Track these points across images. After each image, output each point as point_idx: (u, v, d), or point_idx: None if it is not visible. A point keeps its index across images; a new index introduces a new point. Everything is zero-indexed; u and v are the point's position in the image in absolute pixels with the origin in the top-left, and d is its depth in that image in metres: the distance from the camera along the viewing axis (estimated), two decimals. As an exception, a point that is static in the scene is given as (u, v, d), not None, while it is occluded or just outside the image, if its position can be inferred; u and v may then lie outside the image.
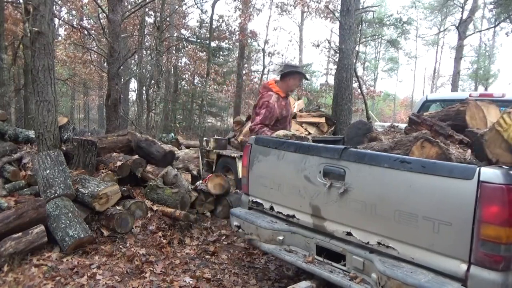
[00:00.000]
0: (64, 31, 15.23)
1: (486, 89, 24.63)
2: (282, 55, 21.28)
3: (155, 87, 14.12)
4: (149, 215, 4.13)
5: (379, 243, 2.24)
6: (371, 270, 2.23)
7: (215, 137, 7.82)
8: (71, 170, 4.30)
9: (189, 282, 3.09)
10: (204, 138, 7.25)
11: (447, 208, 1.94)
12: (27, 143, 5.33)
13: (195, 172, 5.74)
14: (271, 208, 2.96)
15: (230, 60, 22.34)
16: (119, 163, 4.50)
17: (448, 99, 5.13)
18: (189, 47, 18.36)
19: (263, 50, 18.99)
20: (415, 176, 2.07)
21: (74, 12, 16.23)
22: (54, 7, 6.53)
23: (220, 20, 16.93)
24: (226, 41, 19.40)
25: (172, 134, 9.58)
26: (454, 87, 15.43)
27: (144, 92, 15.88)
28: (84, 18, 16.13)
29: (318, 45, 17.81)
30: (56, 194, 3.72)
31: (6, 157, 4.66)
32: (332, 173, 2.46)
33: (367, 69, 30.72)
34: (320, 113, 7.98)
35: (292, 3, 17.33)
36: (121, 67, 7.69)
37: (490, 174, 1.82)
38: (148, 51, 16.31)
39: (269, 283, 3.23)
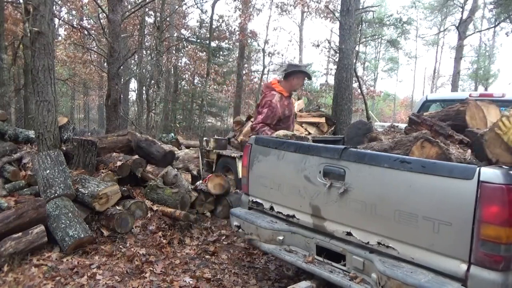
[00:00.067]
0: (64, 31, 15.24)
1: (486, 89, 24.63)
2: (282, 55, 21.27)
3: (155, 87, 14.12)
4: (149, 215, 4.13)
5: (379, 243, 2.24)
6: (371, 270, 2.24)
7: (215, 137, 7.83)
8: (71, 170, 4.30)
9: (189, 282, 3.09)
10: (204, 138, 7.25)
11: (447, 208, 1.94)
12: (27, 143, 5.33)
13: (195, 172, 5.74)
14: (271, 208, 2.96)
15: (230, 60, 22.34)
16: (119, 163, 4.50)
17: (448, 99, 5.13)
18: (189, 47, 18.36)
19: (263, 50, 18.98)
20: (415, 176, 2.07)
21: (74, 12, 16.23)
22: (54, 7, 6.53)
23: (220, 20, 16.94)
24: (226, 41, 19.40)
25: (172, 134, 9.58)
26: (454, 87, 15.43)
27: (144, 92, 15.88)
28: (84, 18, 16.14)
29: (318, 45, 17.83)
30: (56, 194, 3.72)
31: (6, 157, 4.66)
32: (332, 173, 2.46)
33: (367, 69, 30.72)
34: (320, 113, 7.98)
35: (292, 3, 17.34)
36: (121, 67, 7.69)
37: (490, 174, 1.82)
38: (148, 51, 16.31)
39: (269, 283, 3.23)
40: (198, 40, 18.29)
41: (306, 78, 4.08)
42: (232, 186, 5.22)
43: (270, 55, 19.54)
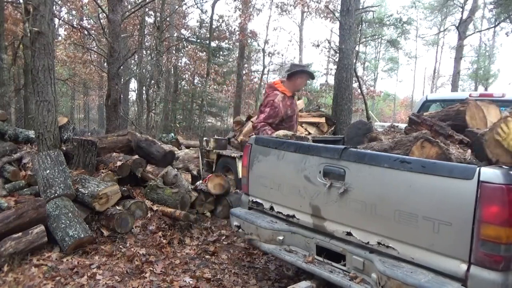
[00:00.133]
0: (64, 31, 15.23)
1: (486, 89, 24.63)
2: (282, 55, 21.32)
3: (155, 87, 14.13)
4: (149, 215, 4.13)
5: (379, 243, 2.24)
6: (371, 270, 2.24)
7: (215, 137, 7.82)
8: (71, 170, 4.30)
9: (189, 282, 3.09)
10: (204, 138, 7.25)
11: (447, 208, 1.94)
12: (27, 143, 5.33)
13: (195, 172, 5.74)
14: (271, 208, 2.96)
15: (230, 60, 22.34)
16: (119, 163, 4.50)
17: (448, 99, 5.13)
18: (189, 47, 18.36)
19: (263, 50, 18.99)
20: (415, 176, 2.07)
21: (74, 12, 16.23)
22: (54, 7, 6.53)
23: (220, 20, 16.94)
24: (226, 41, 19.41)
25: (172, 134, 9.58)
26: (454, 87, 15.44)
27: (144, 92, 15.88)
28: (84, 18, 16.14)
29: (318, 45, 17.84)
30: (56, 194, 3.72)
31: (6, 157, 4.66)
32: (332, 173, 2.46)
33: (367, 69, 30.72)
34: (320, 113, 7.98)
35: (292, 3, 17.34)
36: (121, 67, 7.70)
37: (490, 174, 1.82)
38: (148, 51, 16.31)
39: (269, 283, 3.23)
40: (198, 40, 18.29)
41: (309, 78, 4.09)
42: (232, 186, 5.21)
43: (270, 55, 19.57)
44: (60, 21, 14.15)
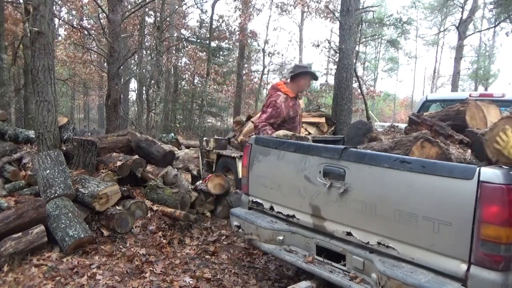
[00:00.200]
0: (64, 31, 15.24)
1: (486, 89, 24.63)
2: (282, 55, 21.31)
3: (155, 87, 14.13)
4: (149, 215, 4.13)
5: (379, 243, 2.24)
6: (371, 270, 2.24)
7: (215, 137, 7.82)
8: (71, 170, 4.30)
9: (189, 282, 3.09)
10: (204, 138, 7.25)
11: (447, 208, 1.94)
12: (27, 143, 5.33)
13: (195, 172, 5.74)
14: (271, 208, 2.96)
15: (230, 60, 22.34)
16: (119, 163, 4.50)
17: (448, 99, 5.13)
18: (189, 47, 18.36)
19: (263, 50, 19.00)
20: (415, 176, 2.07)
21: (74, 12, 16.23)
22: (54, 7, 6.53)
23: (220, 20, 16.94)
24: (226, 41, 19.41)
25: (172, 134, 9.58)
26: (454, 87, 15.44)
27: (144, 92, 15.88)
28: (84, 18, 16.14)
29: (318, 45, 17.83)
30: (56, 194, 3.72)
31: (6, 157, 4.66)
32: (332, 173, 2.46)
33: (367, 69, 30.72)
34: (320, 113, 7.98)
35: (292, 3, 17.35)
36: (121, 67, 7.70)
37: (490, 174, 1.82)
38: (148, 51, 16.31)
39: (269, 283, 3.23)
40: (198, 40, 18.29)
41: (312, 78, 4.10)
42: (232, 186, 5.21)
43: (270, 55, 19.57)
44: (60, 21, 14.17)
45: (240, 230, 3.03)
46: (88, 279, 2.96)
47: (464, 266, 1.89)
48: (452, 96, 6.13)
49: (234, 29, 17.75)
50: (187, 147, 8.12)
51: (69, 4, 14.32)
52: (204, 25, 18.73)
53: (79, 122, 24.39)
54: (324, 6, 15.66)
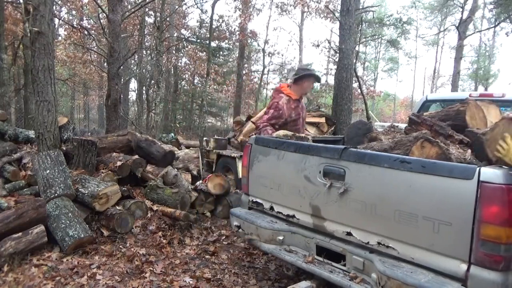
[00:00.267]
0: (64, 31, 15.23)
1: (486, 89, 24.62)
2: (282, 55, 21.31)
3: (155, 87, 14.12)
4: (149, 215, 4.13)
5: (379, 243, 2.24)
6: (371, 270, 2.24)
7: (215, 137, 7.82)
8: (71, 170, 4.30)
9: (189, 282, 3.09)
10: (204, 138, 7.25)
11: (447, 208, 1.94)
12: (27, 143, 5.33)
13: (195, 172, 5.74)
14: (271, 208, 2.96)
15: (230, 60, 22.35)
16: (119, 163, 4.50)
17: (448, 99, 5.13)
18: (189, 47, 18.36)
19: (263, 50, 19.00)
20: (415, 176, 2.07)
21: (74, 12, 16.24)
22: (54, 7, 6.53)
23: (220, 20, 16.94)
24: (226, 41, 19.41)
25: (172, 134, 9.58)
26: (454, 87, 15.44)
27: (144, 92, 15.88)
28: (84, 18, 16.14)
29: (318, 45, 17.83)
30: (56, 194, 3.72)
31: (6, 157, 4.66)
32: (332, 173, 2.46)
33: (367, 69, 30.71)
34: (320, 113, 7.98)
35: (292, 3, 17.35)
36: (121, 67, 7.70)
37: (490, 174, 1.82)
38: (148, 51, 16.31)
39: (269, 283, 3.23)
40: (198, 40, 18.29)
41: (316, 81, 4.12)
42: (232, 186, 5.21)
43: (270, 55, 19.58)
44: (60, 21, 14.16)
45: (240, 230, 3.03)
46: (88, 279, 2.96)
47: (464, 266, 1.89)
48: (452, 96, 6.13)
49: (234, 29, 17.76)
50: (187, 147, 8.12)
51: (69, 4, 14.32)
52: (204, 25, 18.74)
53: (79, 122, 24.38)
54: (324, 6, 15.66)
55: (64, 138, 4.88)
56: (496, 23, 18.15)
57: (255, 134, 3.79)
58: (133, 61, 16.67)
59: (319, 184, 2.52)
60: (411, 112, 4.14)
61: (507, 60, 50.52)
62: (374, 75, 32.23)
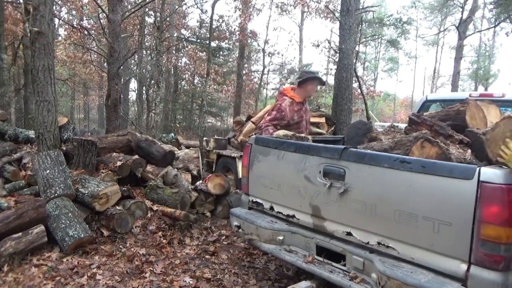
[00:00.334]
0: (64, 31, 15.23)
1: (486, 89, 24.62)
2: (282, 55, 21.31)
3: (155, 87, 14.12)
4: (149, 215, 4.13)
5: (379, 243, 2.24)
6: (371, 270, 2.24)
7: (215, 137, 7.82)
8: (71, 170, 4.30)
9: (189, 282, 3.09)
10: (204, 138, 7.25)
11: (447, 208, 1.94)
12: (27, 143, 5.33)
13: (195, 172, 5.74)
14: (271, 208, 2.96)
15: (230, 60, 22.35)
16: (119, 163, 4.50)
17: (448, 99, 5.12)
18: (189, 47, 18.36)
19: (263, 50, 19.00)
20: (415, 176, 2.07)
21: (74, 12, 16.23)
22: (54, 7, 6.53)
23: (220, 20, 16.94)
24: (226, 41, 19.41)
25: (172, 134, 9.57)
26: (454, 87, 15.43)
27: (144, 92, 15.88)
28: (84, 18, 16.14)
29: (318, 45, 17.84)
30: (56, 194, 3.72)
31: (6, 157, 4.66)
32: (332, 173, 2.46)
33: (367, 69, 30.71)
34: (320, 113, 7.97)
35: (292, 3, 17.34)
36: (121, 67, 7.70)
37: (490, 174, 1.82)
38: (148, 51, 16.31)
39: (269, 283, 3.23)
40: (198, 40, 18.29)
41: (319, 84, 4.14)
42: (232, 186, 5.22)
43: (270, 55, 19.58)
44: (60, 21, 14.16)
45: (240, 230, 3.03)
46: (88, 279, 2.96)
47: (464, 266, 1.89)
48: (452, 96, 6.12)
49: (234, 29, 17.76)
50: (187, 147, 8.11)
51: (69, 4, 14.31)
52: (204, 25, 18.73)
53: (79, 122, 24.37)
54: (324, 6, 15.65)
55: (64, 138, 4.88)
56: (496, 23, 18.15)
57: (255, 134, 3.79)
58: (133, 61, 16.67)
59: (319, 184, 2.52)
60: (411, 112, 4.13)
61: (507, 60, 50.53)
62: (374, 75, 32.24)
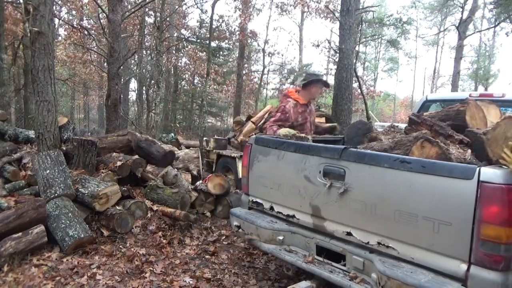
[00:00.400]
0: (64, 31, 15.23)
1: (486, 89, 24.61)
2: (282, 55, 21.32)
3: (155, 87, 14.12)
4: (149, 215, 4.13)
5: (379, 243, 2.24)
6: (371, 270, 2.24)
7: (215, 137, 7.82)
8: (71, 170, 4.30)
9: (189, 282, 3.09)
10: (204, 138, 7.24)
11: (447, 208, 1.94)
12: (27, 143, 5.33)
13: (195, 172, 5.73)
14: (271, 208, 2.96)
15: (230, 60, 22.34)
16: (119, 163, 4.50)
17: (448, 99, 5.12)
18: (189, 47, 18.35)
19: (263, 50, 19.00)
20: (415, 176, 2.07)
21: (74, 12, 16.23)
22: (54, 7, 6.53)
23: (220, 20, 16.94)
24: (226, 41, 19.41)
25: (172, 134, 9.57)
26: (454, 87, 15.43)
27: (144, 92, 15.88)
28: (84, 18, 16.14)
29: (318, 45, 17.84)
30: (56, 194, 3.72)
31: (6, 157, 4.66)
32: (332, 173, 2.46)
33: (367, 69, 30.69)
34: (320, 113, 7.96)
35: (292, 3, 17.35)
36: (121, 67, 7.70)
37: (490, 174, 1.82)
38: (148, 51, 16.31)
39: (269, 283, 3.23)
40: (198, 40, 18.29)
41: (324, 86, 4.15)
42: (232, 186, 5.22)
43: (270, 55, 19.59)
44: (60, 21, 14.16)
45: (240, 230, 3.03)
46: (88, 279, 2.96)
47: (464, 266, 1.89)
48: (452, 96, 6.12)
49: (234, 29, 17.76)
50: (187, 147, 8.11)
51: (69, 4, 14.31)
52: (204, 25, 18.73)
53: (79, 122, 24.37)
54: (324, 6, 15.65)
55: (64, 138, 4.88)
56: (496, 23, 18.14)
57: (255, 134, 3.80)
58: (133, 61, 16.67)
59: (319, 184, 2.52)
60: (411, 112, 4.13)
61: (507, 60, 50.51)
62: (374, 75, 32.23)
